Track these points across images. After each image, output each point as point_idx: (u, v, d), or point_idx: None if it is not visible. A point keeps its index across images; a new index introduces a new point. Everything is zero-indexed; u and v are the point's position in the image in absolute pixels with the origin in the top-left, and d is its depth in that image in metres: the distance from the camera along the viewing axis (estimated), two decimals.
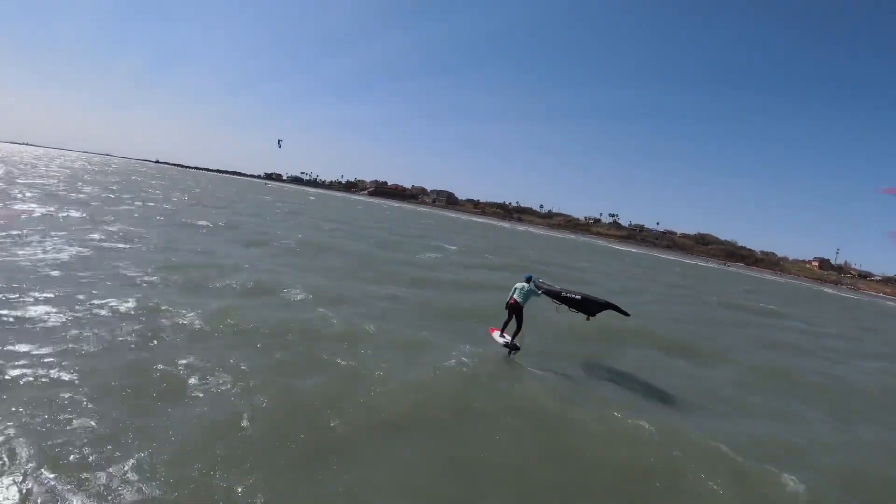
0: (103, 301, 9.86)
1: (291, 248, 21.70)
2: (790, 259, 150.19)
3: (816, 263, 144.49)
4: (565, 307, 10.54)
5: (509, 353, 10.13)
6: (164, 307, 9.98)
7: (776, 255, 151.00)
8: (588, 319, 10.38)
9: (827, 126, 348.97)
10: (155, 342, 8.36)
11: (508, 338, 10.27)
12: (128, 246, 16.04)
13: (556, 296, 10.55)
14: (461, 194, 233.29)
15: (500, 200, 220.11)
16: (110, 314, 9.31)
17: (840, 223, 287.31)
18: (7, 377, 6.46)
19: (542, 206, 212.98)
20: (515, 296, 10.21)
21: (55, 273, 11.54)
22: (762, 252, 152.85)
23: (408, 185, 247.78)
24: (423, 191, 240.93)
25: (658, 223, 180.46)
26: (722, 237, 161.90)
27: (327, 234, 29.72)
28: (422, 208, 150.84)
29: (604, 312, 10.27)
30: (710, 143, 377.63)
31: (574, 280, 25.49)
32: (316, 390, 7.29)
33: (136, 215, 24.69)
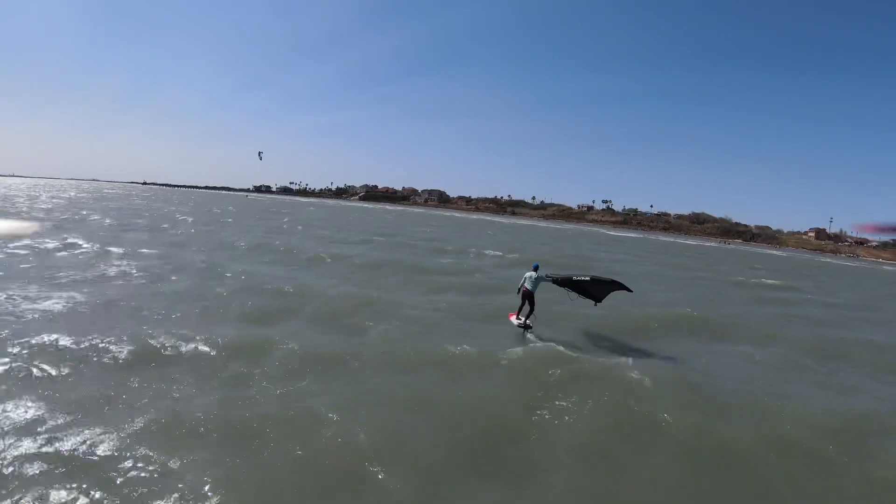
0: (169, 342, 9.38)
1: (328, 263, 21.96)
2: (786, 231, 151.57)
3: (813, 234, 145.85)
4: (576, 294, 12.18)
5: (524, 331, 11.70)
6: (239, 343, 9.73)
7: (771, 229, 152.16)
8: (595, 305, 12.16)
9: (810, 96, 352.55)
10: (239, 382, 8.13)
11: (523, 319, 11.86)
12: (160, 284, 14.94)
13: (567, 282, 12.12)
14: (452, 192, 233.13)
15: (491, 195, 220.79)
16: (199, 351, 9.17)
17: (831, 192, 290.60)
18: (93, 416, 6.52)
19: (534, 198, 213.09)
20: (526, 284, 11.81)
21: (99, 315, 10.99)
22: (757, 227, 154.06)
23: (398, 187, 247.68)
24: (414, 191, 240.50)
25: (651, 206, 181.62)
26: (716, 215, 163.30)
27: (350, 247, 29.85)
28: (417, 209, 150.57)
29: (612, 294, 12.07)
30: (695, 123, 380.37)
31: (600, 271, 25.81)
32: (423, 427, 7.04)
33: (154, 244, 24.51)
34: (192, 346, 9.43)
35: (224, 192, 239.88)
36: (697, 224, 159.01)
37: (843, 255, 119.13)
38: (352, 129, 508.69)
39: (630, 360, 10.55)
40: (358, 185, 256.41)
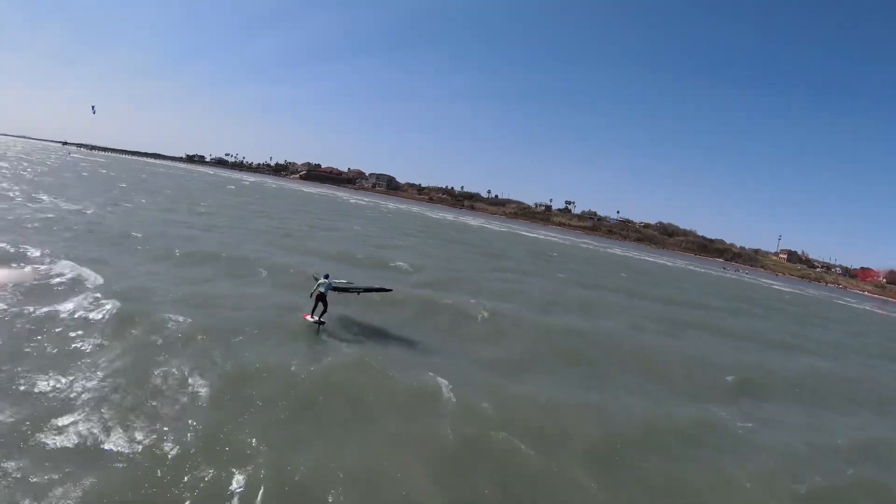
0: None
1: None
2: (759, 251, 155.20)
3: (785, 256, 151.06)
4: (351, 294, 16.09)
5: (318, 328, 14.11)
6: None
7: (758, 250, 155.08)
8: (358, 294, 16.24)
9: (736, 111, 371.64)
10: None
11: (317, 317, 14.24)
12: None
13: (346, 290, 15.72)
14: (400, 177, 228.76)
15: (440, 184, 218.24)
16: None
17: (775, 208, 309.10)
18: None
19: (489, 192, 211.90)
20: (321, 289, 14.15)
21: None
22: (716, 240, 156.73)
23: (343, 168, 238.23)
24: (360, 174, 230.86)
25: (619, 211, 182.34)
26: (681, 226, 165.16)
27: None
28: (357, 199, 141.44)
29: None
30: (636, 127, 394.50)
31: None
32: None
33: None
34: None
35: (157, 159, 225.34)
36: (667, 236, 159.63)
37: (829, 285, 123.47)
38: (295, 105, 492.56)
39: None
40: (299, 162, 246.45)
